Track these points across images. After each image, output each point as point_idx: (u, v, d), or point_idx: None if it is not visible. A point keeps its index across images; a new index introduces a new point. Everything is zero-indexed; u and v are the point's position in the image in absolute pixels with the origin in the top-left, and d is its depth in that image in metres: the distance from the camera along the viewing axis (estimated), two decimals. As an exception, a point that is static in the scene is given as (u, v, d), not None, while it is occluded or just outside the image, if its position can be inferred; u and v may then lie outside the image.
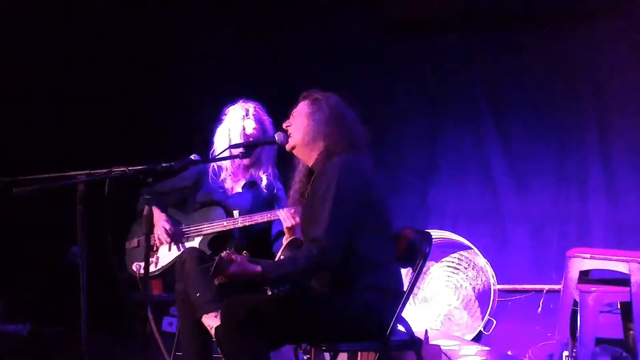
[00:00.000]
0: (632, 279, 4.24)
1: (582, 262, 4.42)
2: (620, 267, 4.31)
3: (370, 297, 3.23)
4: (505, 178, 5.79)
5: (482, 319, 5.43)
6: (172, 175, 4.32)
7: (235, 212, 4.23)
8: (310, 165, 3.48)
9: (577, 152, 5.69)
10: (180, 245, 4.24)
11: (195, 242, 4.23)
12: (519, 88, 5.81)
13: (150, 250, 4.10)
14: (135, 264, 4.24)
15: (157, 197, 4.27)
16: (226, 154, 3.85)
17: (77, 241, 3.21)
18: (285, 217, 3.95)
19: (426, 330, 4.59)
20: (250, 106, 4.34)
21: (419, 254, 3.39)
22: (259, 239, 4.27)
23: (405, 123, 6.02)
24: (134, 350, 4.74)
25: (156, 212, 4.22)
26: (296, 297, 3.21)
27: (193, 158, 3.56)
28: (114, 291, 4.42)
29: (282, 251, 3.82)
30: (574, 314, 4.46)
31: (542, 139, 5.75)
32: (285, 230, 3.95)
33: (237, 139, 4.22)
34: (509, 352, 5.17)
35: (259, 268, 3.13)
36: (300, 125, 3.46)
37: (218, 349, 3.27)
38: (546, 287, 5.45)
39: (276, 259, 3.84)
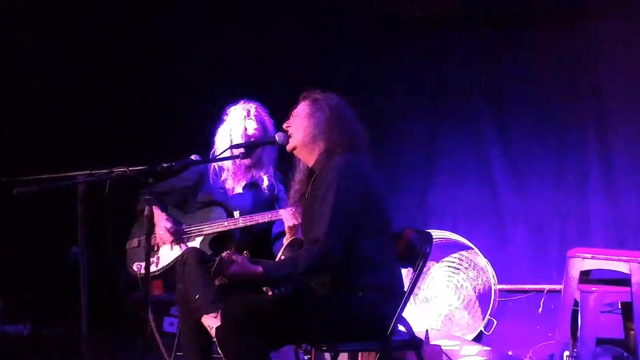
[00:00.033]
0: (633, 279, 4.24)
1: (583, 262, 4.42)
2: (621, 267, 4.30)
3: (370, 297, 3.23)
4: (505, 178, 5.79)
5: (483, 319, 5.43)
6: (173, 175, 4.31)
7: (236, 213, 4.23)
8: (310, 165, 3.48)
9: (577, 151, 5.70)
10: (182, 244, 4.24)
11: (196, 242, 4.23)
12: (518, 88, 5.82)
13: (151, 250, 4.11)
14: (136, 263, 4.23)
15: (157, 197, 4.27)
16: (227, 154, 3.85)
17: (77, 241, 3.21)
18: (288, 216, 3.95)
19: (427, 330, 4.59)
20: (252, 106, 4.33)
21: (419, 254, 3.39)
22: (260, 239, 4.26)
23: (405, 123, 6.02)
24: (135, 351, 4.75)
25: (157, 212, 4.22)
26: (297, 297, 3.20)
27: (193, 158, 3.56)
28: (115, 291, 4.42)
29: (283, 251, 3.83)
30: (574, 314, 4.46)
31: (542, 138, 5.76)
32: (286, 229, 3.95)
33: (239, 140, 4.21)
34: (510, 352, 5.16)
35: (259, 268, 3.13)
36: (300, 125, 3.46)
37: (218, 350, 3.27)
38: (547, 287, 5.45)
39: (277, 259, 3.84)
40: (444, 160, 5.91)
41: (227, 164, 4.34)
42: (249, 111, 4.30)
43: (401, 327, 3.32)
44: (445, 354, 4.53)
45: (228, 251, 3.12)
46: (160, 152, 3.72)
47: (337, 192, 3.20)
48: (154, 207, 4.01)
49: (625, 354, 4.51)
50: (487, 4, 5.84)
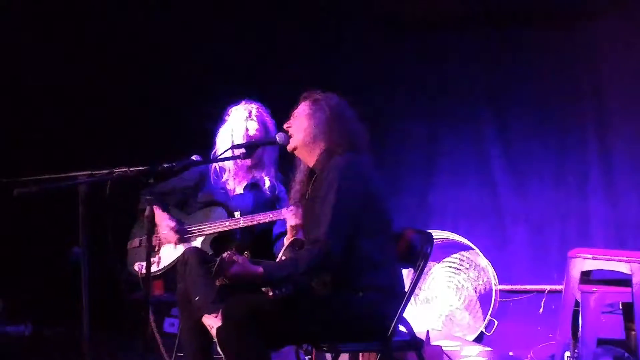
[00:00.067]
0: (634, 280, 4.23)
1: (584, 262, 4.41)
2: (622, 267, 4.29)
3: (371, 298, 3.23)
4: (505, 178, 5.80)
5: (484, 319, 5.42)
6: (174, 175, 4.31)
7: (237, 214, 4.22)
8: (311, 165, 3.48)
9: (577, 151, 5.71)
10: (186, 243, 4.23)
11: (197, 242, 4.22)
12: (518, 88, 5.83)
13: (152, 251, 4.10)
14: (137, 263, 4.23)
15: (158, 197, 4.26)
16: (228, 154, 3.85)
17: (78, 242, 3.21)
18: (290, 215, 3.94)
19: (428, 330, 4.59)
20: (253, 107, 4.32)
21: (420, 254, 3.39)
22: (261, 240, 4.26)
23: (406, 123, 6.02)
24: (135, 351, 4.76)
25: (158, 212, 4.22)
26: (297, 297, 3.20)
27: (194, 159, 3.55)
28: (115, 292, 4.41)
29: (284, 252, 3.82)
30: (575, 315, 4.45)
31: (542, 138, 5.77)
32: (288, 228, 3.93)
33: (240, 140, 4.19)
34: (511, 353, 5.16)
35: (260, 269, 3.13)
36: (300, 125, 3.46)
37: (219, 350, 3.27)
38: (547, 287, 5.45)
39: (277, 259, 3.84)
40: (444, 160, 5.92)
41: (229, 164, 4.33)
42: (250, 112, 4.30)
43: (402, 328, 3.31)
44: (446, 355, 4.53)
45: (229, 252, 3.11)
46: (160, 152, 3.72)
47: (338, 192, 3.20)
48: (154, 207, 4.01)
49: (626, 354, 4.50)
50: (487, 4, 5.85)
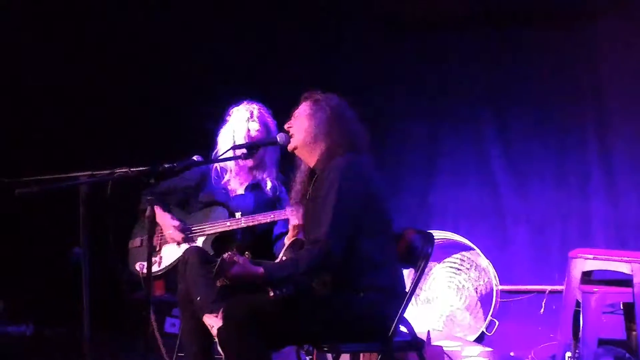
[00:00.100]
0: (635, 280, 4.23)
1: (585, 262, 4.41)
2: (623, 267, 4.30)
3: (372, 298, 3.23)
4: (506, 178, 5.80)
5: (485, 319, 5.42)
6: (175, 175, 4.30)
7: (238, 214, 4.22)
8: (311, 165, 3.48)
9: (577, 152, 5.72)
10: (190, 242, 4.22)
11: (198, 242, 4.22)
12: (519, 88, 5.84)
13: (153, 251, 4.10)
14: (138, 263, 4.23)
15: (159, 197, 4.26)
16: (229, 154, 3.85)
17: (79, 242, 3.21)
18: (293, 215, 3.93)
19: (428, 331, 4.59)
20: (255, 108, 4.31)
21: (420, 254, 3.39)
22: (262, 240, 4.25)
23: (406, 123, 6.03)
24: (136, 351, 4.75)
25: (159, 212, 4.22)
26: (298, 297, 3.20)
27: (195, 159, 3.56)
28: (116, 292, 4.41)
29: (284, 252, 3.82)
30: (576, 315, 4.45)
31: (542, 138, 5.77)
32: (290, 228, 3.93)
33: (241, 141, 4.18)
34: (512, 353, 5.16)
35: (261, 269, 3.13)
36: (301, 126, 3.46)
37: (219, 350, 3.27)
38: (548, 287, 5.46)
39: (278, 260, 3.84)
40: (444, 160, 5.92)
41: (230, 165, 4.33)
42: (252, 113, 4.28)
43: (403, 328, 3.32)
44: (447, 355, 4.53)
45: (229, 252, 3.11)
46: (160, 152, 3.73)
47: (339, 192, 3.20)
48: (156, 207, 4.02)
49: (627, 354, 4.50)
50: (487, 4, 5.86)
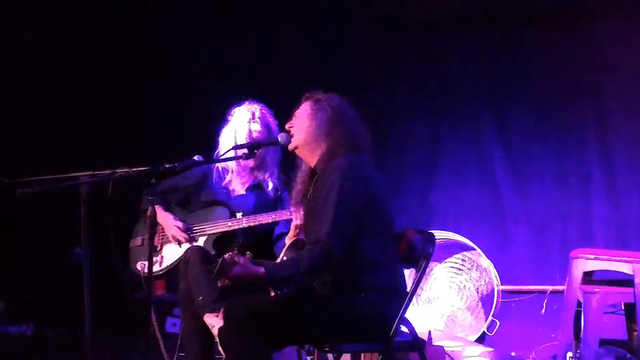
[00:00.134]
0: (636, 280, 4.23)
1: (586, 262, 4.41)
2: (624, 268, 4.30)
3: (372, 298, 3.23)
4: (506, 178, 5.80)
5: (486, 320, 5.41)
6: (176, 175, 4.29)
7: (239, 214, 4.22)
8: (312, 165, 3.48)
9: (577, 152, 5.71)
10: (193, 242, 4.22)
11: (199, 242, 4.21)
12: (519, 88, 5.83)
13: (153, 251, 4.10)
14: (139, 262, 4.22)
15: (160, 197, 4.26)
16: (230, 154, 3.84)
17: (80, 242, 3.21)
18: (296, 214, 3.92)
19: (429, 331, 4.59)
20: (257, 108, 4.31)
21: (421, 254, 3.39)
22: (263, 240, 4.25)
23: (406, 123, 6.03)
24: (137, 351, 4.75)
25: (161, 212, 4.22)
26: (299, 297, 3.20)
27: (196, 159, 3.55)
28: (117, 292, 4.41)
29: (285, 252, 3.82)
30: (577, 315, 4.45)
31: (542, 139, 5.77)
32: (292, 228, 3.92)
33: (243, 142, 4.16)
34: (513, 353, 5.16)
35: (262, 270, 3.13)
36: (302, 125, 3.46)
37: (220, 350, 3.26)
38: (550, 287, 5.45)
39: (279, 260, 3.84)
40: (445, 160, 5.92)
41: (232, 165, 4.32)
42: (253, 113, 4.27)
43: (404, 328, 3.31)
44: (448, 355, 4.53)
45: (230, 253, 3.11)
46: (160, 152, 3.73)
47: (340, 192, 3.20)
48: (157, 206, 4.01)
49: (628, 355, 4.51)
50: (487, 4, 5.85)
